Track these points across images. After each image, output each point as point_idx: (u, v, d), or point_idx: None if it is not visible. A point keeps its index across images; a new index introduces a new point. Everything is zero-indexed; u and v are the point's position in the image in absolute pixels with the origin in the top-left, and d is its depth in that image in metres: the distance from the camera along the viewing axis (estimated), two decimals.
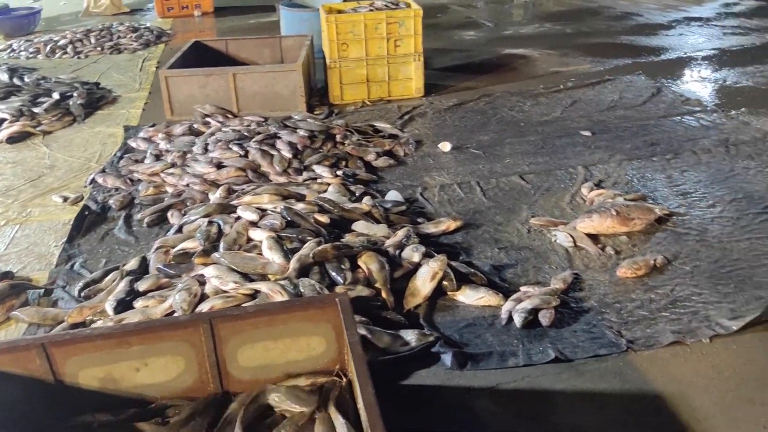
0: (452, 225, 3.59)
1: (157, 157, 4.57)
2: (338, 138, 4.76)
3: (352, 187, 4.01)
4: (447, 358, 2.61)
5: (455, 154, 4.66)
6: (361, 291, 2.91)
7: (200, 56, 6.02)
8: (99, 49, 8.05)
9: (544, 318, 2.79)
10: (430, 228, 3.57)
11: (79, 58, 7.82)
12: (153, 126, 5.19)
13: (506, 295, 2.96)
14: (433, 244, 3.41)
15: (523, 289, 3.01)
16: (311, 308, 2.34)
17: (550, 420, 2.37)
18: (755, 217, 3.58)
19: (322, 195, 3.78)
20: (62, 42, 8.15)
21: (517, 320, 2.78)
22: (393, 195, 3.98)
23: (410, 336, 2.70)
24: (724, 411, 2.35)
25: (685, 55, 6.91)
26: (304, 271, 2.98)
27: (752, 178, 4.03)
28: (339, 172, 4.20)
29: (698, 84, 6.01)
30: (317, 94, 5.96)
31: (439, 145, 4.76)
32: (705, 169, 4.19)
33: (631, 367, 2.57)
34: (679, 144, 4.60)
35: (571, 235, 3.41)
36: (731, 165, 4.23)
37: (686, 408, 2.37)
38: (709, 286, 3.02)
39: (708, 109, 5.26)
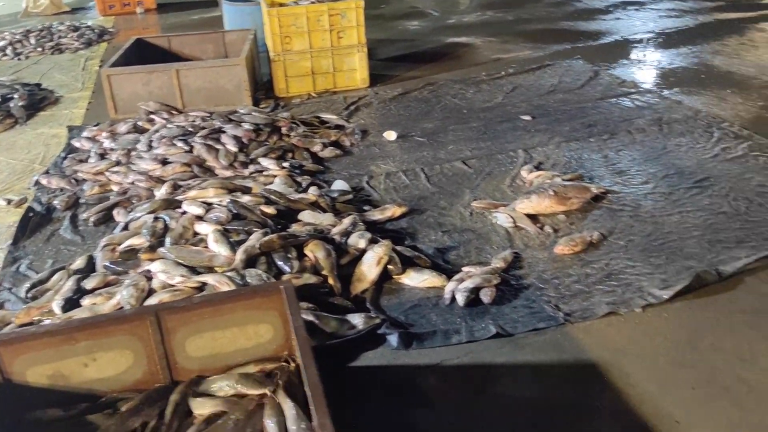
0: (397, 211, 3.66)
1: (102, 156, 4.54)
2: (284, 130, 4.78)
3: (299, 179, 4.04)
4: (393, 339, 2.69)
5: (400, 142, 4.73)
6: (309, 279, 2.95)
7: (143, 54, 5.96)
8: (40, 49, 7.91)
9: (486, 296, 2.88)
10: (376, 215, 3.63)
11: (19, 59, 7.68)
12: (97, 125, 5.15)
13: (449, 276, 3.05)
14: (379, 231, 3.48)
15: (465, 269, 3.10)
16: (256, 297, 2.39)
17: (492, 392, 2.47)
18: (686, 192, 3.73)
19: (268, 187, 3.81)
20: (1, 44, 8.00)
21: (460, 299, 2.87)
22: (339, 184, 4.03)
23: (357, 320, 2.77)
24: (656, 375, 2.48)
25: (621, 39, 7.11)
26: (251, 261, 3.01)
27: (684, 155, 4.20)
28: (285, 164, 4.23)
29: (634, 66, 6.19)
30: (263, 87, 5.97)
31: (385, 134, 4.83)
32: (639, 148, 4.35)
33: (568, 338, 2.68)
34: (615, 125, 4.75)
35: (511, 216, 3.51)
36: (664, 143, 4.39)
37: (620, 374, 2.49)
38: (642, 258, 3.15)
39: (642, 90, 5.43)
